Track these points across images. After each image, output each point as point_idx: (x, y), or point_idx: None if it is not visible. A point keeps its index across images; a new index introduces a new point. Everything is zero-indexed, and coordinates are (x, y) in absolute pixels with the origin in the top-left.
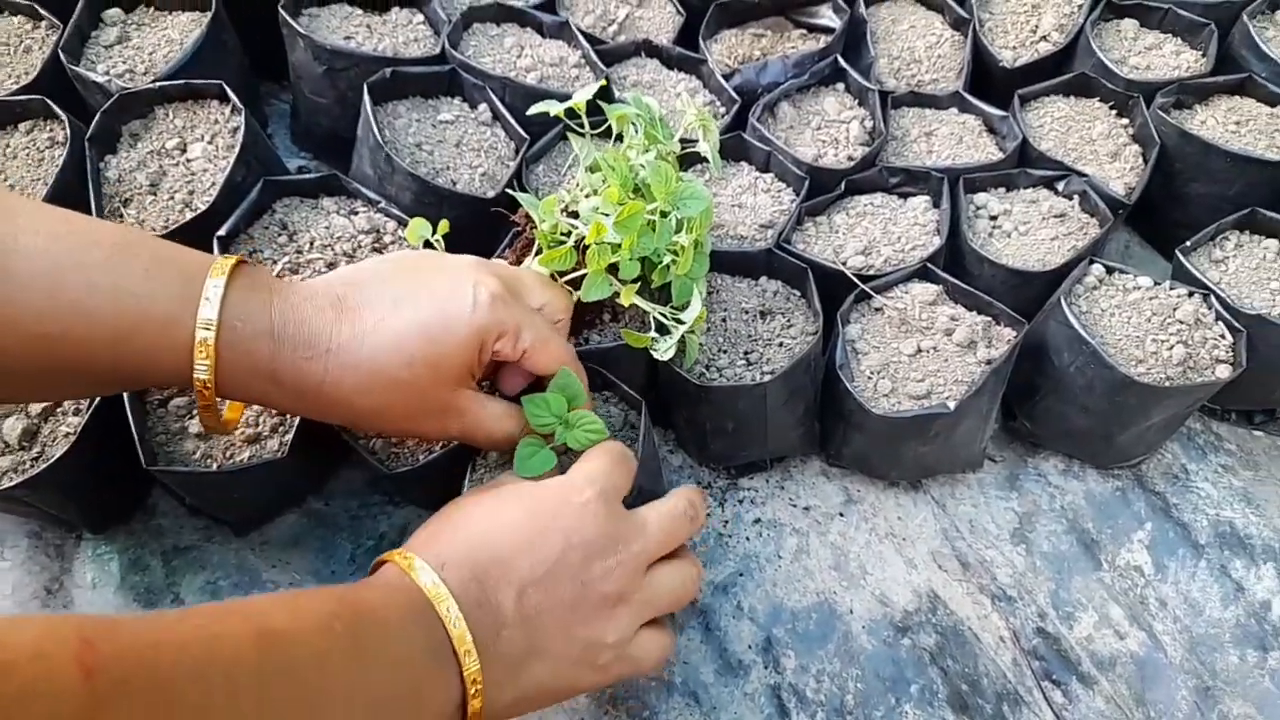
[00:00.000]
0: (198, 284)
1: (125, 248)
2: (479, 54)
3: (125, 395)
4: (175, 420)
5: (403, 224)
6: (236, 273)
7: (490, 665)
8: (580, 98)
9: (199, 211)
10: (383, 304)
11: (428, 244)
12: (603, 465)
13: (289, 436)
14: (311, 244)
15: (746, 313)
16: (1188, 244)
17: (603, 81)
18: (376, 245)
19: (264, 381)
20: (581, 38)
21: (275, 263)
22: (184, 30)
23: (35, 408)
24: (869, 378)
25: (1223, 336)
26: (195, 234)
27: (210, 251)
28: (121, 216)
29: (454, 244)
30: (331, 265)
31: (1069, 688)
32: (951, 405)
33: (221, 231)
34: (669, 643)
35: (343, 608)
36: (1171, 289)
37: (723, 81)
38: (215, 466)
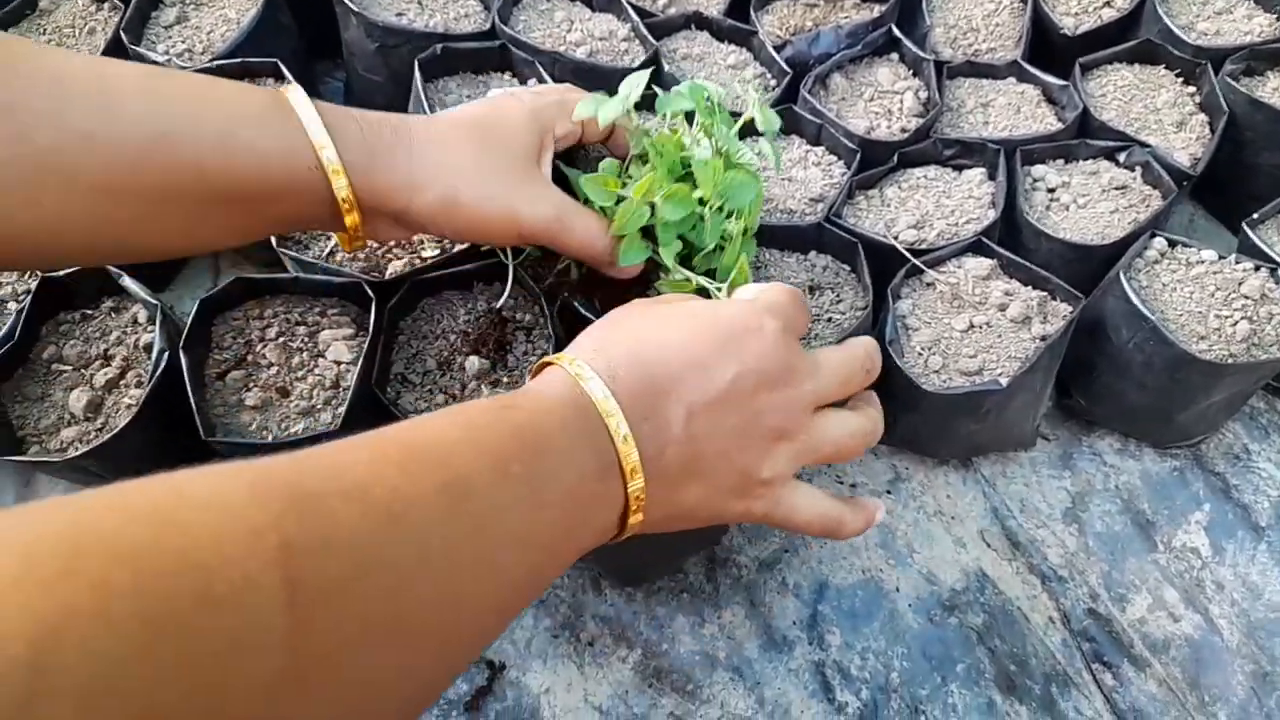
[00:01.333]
0: (281, 96)
1: (198, 74)
2: (529, 29)
3: (185, 367)
4: (233, 393)
5: None
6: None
7: (650, 481)
8: (631, 92)
9: None
10: (436, 116)
11: None
12: (783, 299)
13: (342, 409)
14: None
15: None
16: (1255, 216)
17: (642, 81)
18: None
19: (367, 163)
20: (631, 11)
21: (329, 238)
22: (240, 10)
23: (99, 379)
24: (919, 354)
25: None
26: None
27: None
28: None
29: None
30: (382, 241)
31: (1120, 670)
32: (1004, 382)
33: None
34: (830, 508)
35: (520, 447)
36: (1237, 263)
37: (774, 53)
38: (270, 438)
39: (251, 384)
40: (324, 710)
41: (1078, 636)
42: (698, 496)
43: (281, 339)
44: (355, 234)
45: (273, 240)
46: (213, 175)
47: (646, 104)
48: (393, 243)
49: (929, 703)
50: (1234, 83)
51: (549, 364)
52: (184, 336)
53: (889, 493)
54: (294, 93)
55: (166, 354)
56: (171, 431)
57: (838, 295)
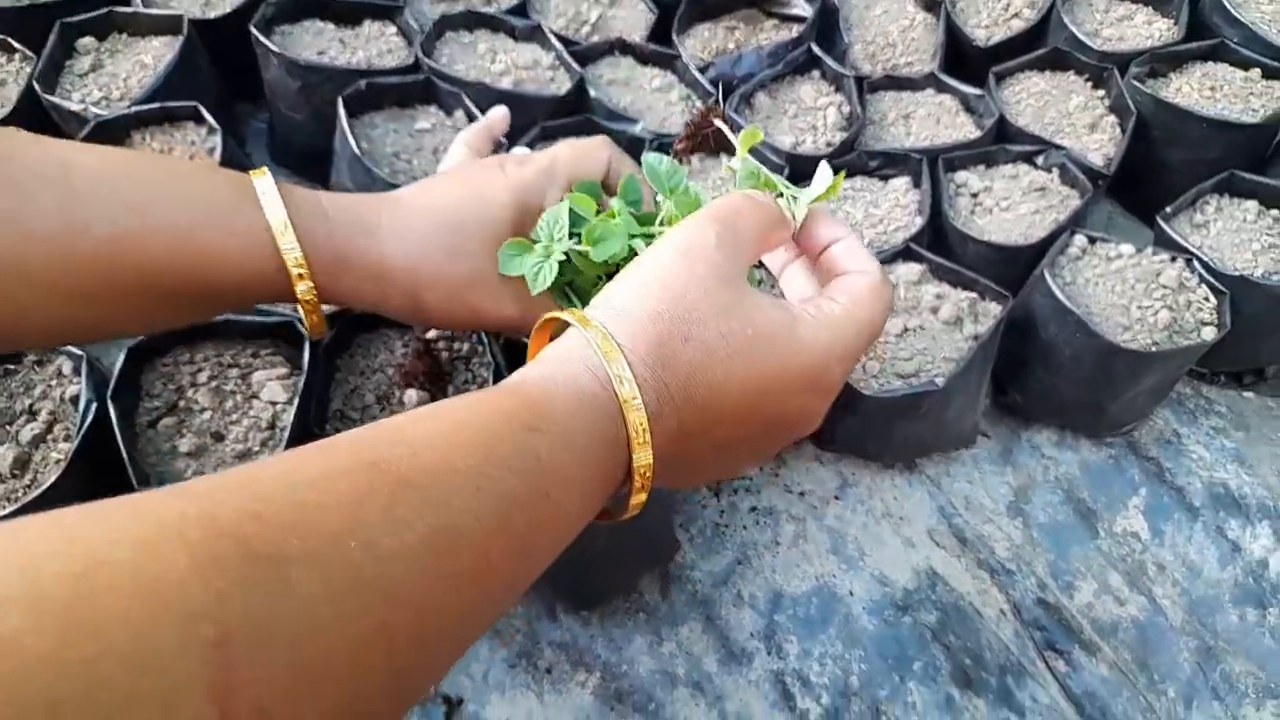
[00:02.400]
0: (248, 186)
1: (166, 161)
2: (452, 61)
3: (114, 416)
4: (165, 440)
5: None
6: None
7: (660, 477)
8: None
9: None
10: (414, 187)
11: None
12: (879, 324)
13: (280, 450)
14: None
15: None
16: (1168, 210)
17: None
18: None
19: (333, 265)
20: (555, 39)
21: None
22: (157, 55)
23: (25, 434)
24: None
25: (1206, 299)
26: None
27: None
28: None
29: None
30: None
31: (1072, 656)
32: (940, 382)
33: None
34: None
35: (529, 493)
36: (1154, 255)
37: (698, 75)
38: None
39: (185, 430)
40: None
41: (1029, 626)
42: (703, 476)
43: (214, 383)
44: (316, 329)
45: None
46: (174, 274)
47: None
48: None
49: (889, 703)
50: (1139, 85)
51: (603, 353)
52: (112, 386)
53: (837, 498)
54: (262, 182)
55: (94, 405)
56: (103, 484)
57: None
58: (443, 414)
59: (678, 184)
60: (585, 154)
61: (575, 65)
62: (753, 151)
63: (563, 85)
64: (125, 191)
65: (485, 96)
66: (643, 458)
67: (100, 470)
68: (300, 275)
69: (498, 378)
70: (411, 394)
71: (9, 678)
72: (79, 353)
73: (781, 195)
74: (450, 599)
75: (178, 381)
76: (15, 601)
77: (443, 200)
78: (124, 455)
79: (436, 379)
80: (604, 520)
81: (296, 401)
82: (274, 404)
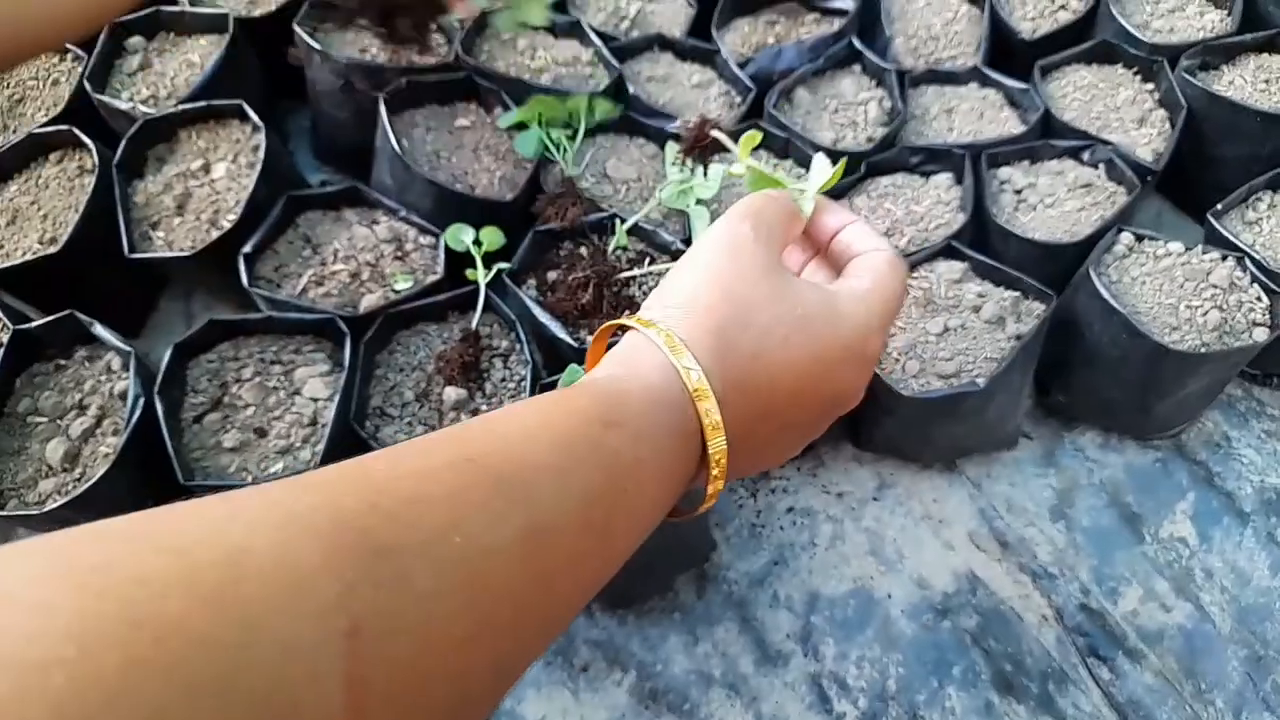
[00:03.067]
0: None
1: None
2: (492, 58)
3: (161, 411)
4: (210, 435)
5: (424, 231)
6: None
7: (730, 465)
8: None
9: (224, 230)
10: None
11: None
12: (899, 296)
13: (320, 445)
14: (335, 255)
15: None
16: (1219, 207)
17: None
18: (398, 253)
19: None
20: (594, 35)
21: (301, 276)
22: (203, 53)
23: (75, 429)
24: (896, 359)
25: (1258, 299)
26: (222, 252)
27: (235, 267)
28: (150, 239)
29: None
30: (355, 275)
31: (1115, 663)
32: (982, 382)
33: (247, 248)
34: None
35: (608, 489)
36: (1204, 253)
37: (737, 70)
38: (250, 479)
39: (229, 425)
40: None
41: (1071, 633)
42: (764, 463)
43: (257, 379)
44: None
45: (244, 280)
46: None
47: None
48: (365, 276)
49: (927, 708)
50: (1190, 78)
51: (669, 348)
52: (159, 381)
53: (876, 500)
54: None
55: (142, 400)
56: (150, 477)
57: None
58: (525, 413)
59: None
60: None
61: (614, 61)
62: (793, 149)
63: (602, 81)
64: None
65: (525, 93)
66: (717, 445)
67: (147, 464)
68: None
69: (534, 375)
70: (450, 391)
71: (175, 658)
72: (127, 348)
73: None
74: (541, 595)
75: (222, 377)
76: (174, 585)
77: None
78: (170, 449)
79: (474, 375)
80: (679, 518)
81: (337, 398)
82: (315, 400)
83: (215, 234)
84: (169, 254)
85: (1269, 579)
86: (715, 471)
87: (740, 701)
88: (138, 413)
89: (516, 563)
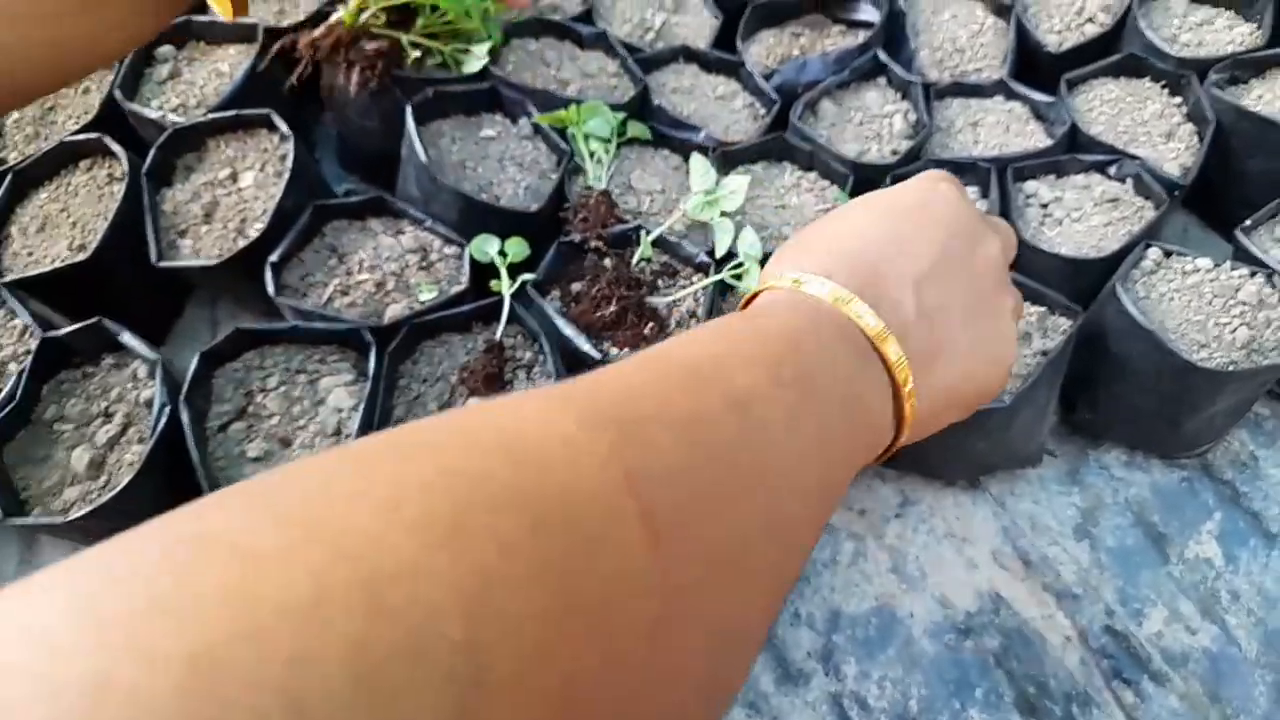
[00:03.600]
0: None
1: None
2: (519, 69)
3: (186, 420)
4: (235, 444)
5: (449, 242)
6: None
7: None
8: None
9: (251, 239)
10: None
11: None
12: (938, 172)
13: None
14: (360, 265)
15: None
16: (1248, 223)
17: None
18: (423, 264)
19: None
20: (620, 47)
21: (326, 286)
22: (233, 63)
23: (101, 437)
24: None
25: None
26: (249, 261)
27: (261, 276)
28: (178, 247)
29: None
30: (380, 285)
31: (1140, 686)
32: (1007, 399)
33: (274, 257)
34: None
35: (785, 348)
36: (1233, 270)
37: (762, 82)
38: None
39: (254, 435)
40: (688, 659)
41: (1096, 654)
42: (954, 374)
43: (282, 388)
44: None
45: (270, 289)
46: None
47: None
48: (390, 286)
49: None
50: (1219, 92)
51: (758, 292)
52: (185, 389)
53: (898, 516)
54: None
55: (168, 408)
56: (174, 486)
57: None
58: (688, 334)
59: None
60: None
61: (639, 72)
62: (818, 161)
63: (627, 93)
64: None
65: (550, 104)
66: (892, 351)
67: (171, 473)
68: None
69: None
70: (474, 401)
71: (516, 495)
72: (153, 356)
73: None
74: (769, 459)
75: (247, 386)
76: (494, 453)
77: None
78: (195, 459)
79: (498, 387)
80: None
81: (361, 408)
82: (340, 410)
83: (242, 243)
84: (196, 262)
85: None
86: (907, 389)
87: None
88: (163, 421)
89: (733, 431)
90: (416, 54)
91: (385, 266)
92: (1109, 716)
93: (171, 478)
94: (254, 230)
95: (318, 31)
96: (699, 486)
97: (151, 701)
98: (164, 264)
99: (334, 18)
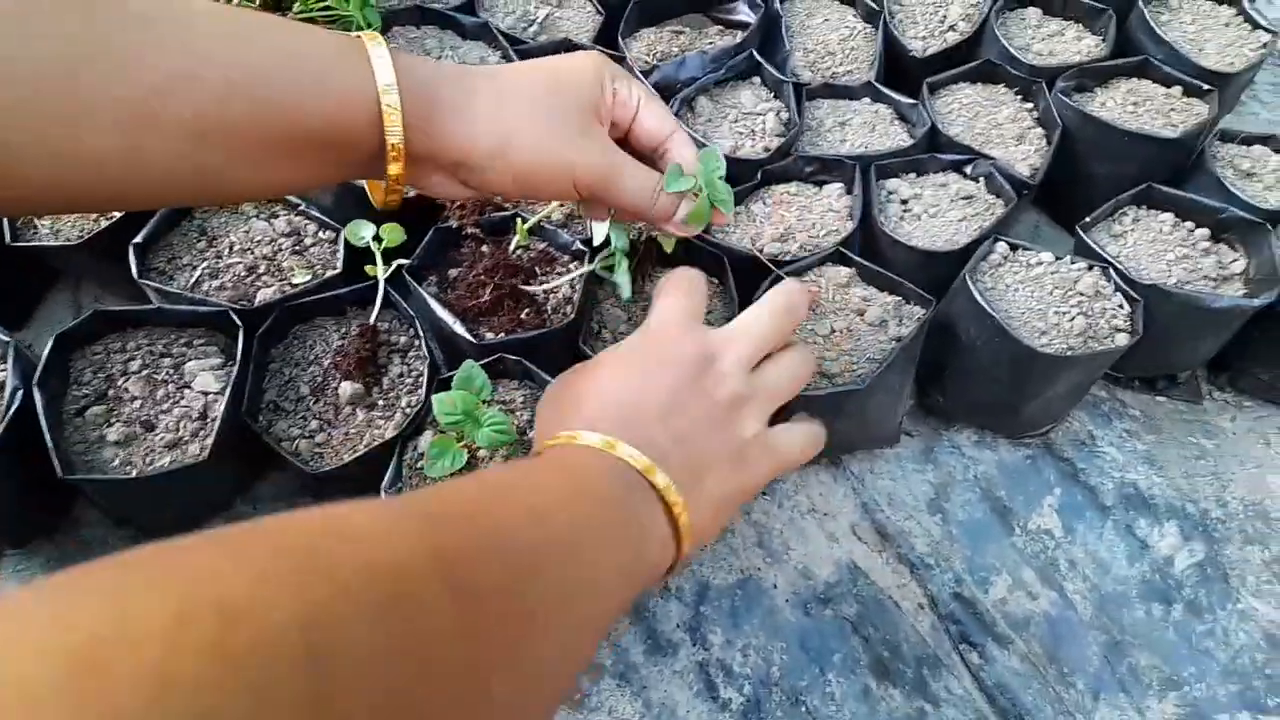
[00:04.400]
0: (363, 53)
1: (285, 22)
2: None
3: (39, 404)
4: (93, 429)
5: (324, 226)
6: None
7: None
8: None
9: (114, 219)
10: (504, 66)
11: (368, 250)
12: (672, 299)
13: (210, 440)
14: (231, 248)
15: None
16: (1087, 220)
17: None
18: (297, 248)
19: (439, 132)
20: (502, 38)
21: (195, 269)
22: None
23: None
24: None
25: (1121, 306)
26: (112, 240)
27: (127, 257)
28: (35, 227)
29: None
30: (251, 269)
31: (985, 649)
32: (863, 383)
33: (138, 239)
34: (811, 431)
35: (570, 485)
36: (1072, 263)
37: (642, 78)
38: (135, 473)
39: (114, 419)
40: (499, 699)
41: (945, 620)
42: (714, 484)
43: (145, 372)
44: (395, 184)
45: (134, 271)
46: (290, 116)
47: None
48: (262, 270)
49: (808, 693)
50: (1066, 99)
51: (539, 452)
52: (38, 373)
53: (764, 494)
54: (370, 40)
55: (20, 392)
56: (29, 471)
57: (708, 307)
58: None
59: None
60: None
61: None
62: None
63: None
64: (246, 35)
65: None
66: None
67: (25, 457)
68: (391, 121)
69: (433, 371)
70: (345, 385)
71: (344, 559)
72: (6, 339)
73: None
74: (567, 562)
75: (108, 370)
76: (329, 534)
77: (539, 63)
78: (49, 442)
79: (372, 370)
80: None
81: (229, 392)
82: (206, 394)
83: (105, 223)
84: (54, 243)
85: (1126, 568)
86: (678, 508)
87: (630, 690)
88: (15, 404)
89: (533, 534)
90: None
91: (257, 250)
92: (957, 677)
93: (25, 462)
94: (117, 210)
95: None
96: (499, 569)
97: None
98: (19, 244)
99: None
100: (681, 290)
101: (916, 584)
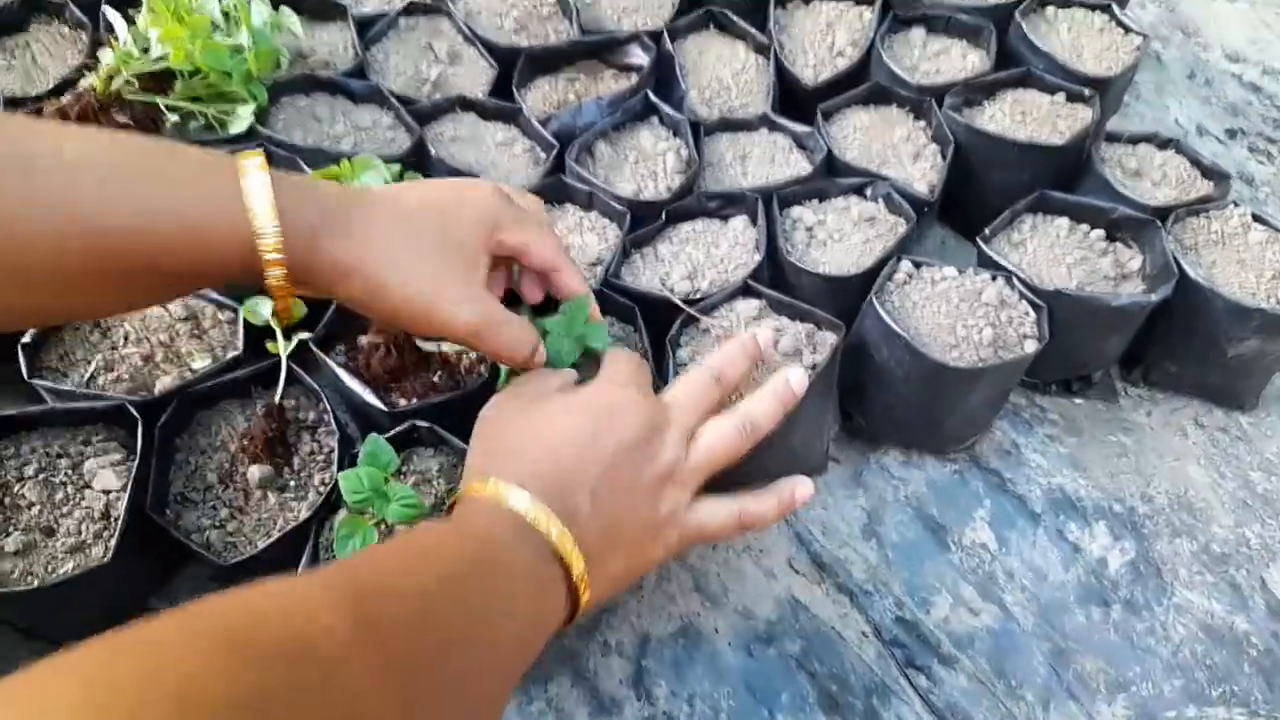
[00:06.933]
0: (234, 175)
1: (158, 148)
2: (289, 127)
3: None
4: None
5: (221, 307)
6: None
7: (587, 561)
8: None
9: None
10: (394, 189)
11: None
12: (629, 367)
13: (113, 540)
14: (126, 338)
15: None
16: (986, 231)
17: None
18: (195, 331)
19: (306, 256)
20: (393, 99)
21: (89, 363)
22: None
23: None
24: None
25: (1027, 314)
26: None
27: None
28: None
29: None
30: (148, 357)
31: (932, 671)
32: None
33: (26, 339)
34: (732, 509)
35: (480, 551)
36: (976, 275)
37: (540, 128)
38: (36, 583)
39: (11, 528)
40: None
41: (890, 646)
42: (623, 559)
43: (42, 475)
44: (286, 315)
45: (24, 371)
46: (141, 253)
47: None
48: (159, 358)
49: None
50: (955, 114)
51: (468, 494)
52: None
53: None
54: (248, 163)
55: None
56: None
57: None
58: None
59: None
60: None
61: (414, 124)
62: (597, 201)
63: (403, 145)
64: (119, 180)
65: (324, 160)
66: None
67: None
68: (272, 263)
69: (343, 446)
70: (254, 469)
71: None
72: None
73: None
74: (475, 622)
75: (3, 477)
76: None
77: (423, 197)
78: None
79: (281, 451)
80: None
81: (130, 488)
82: (107, 492)
83: None
84: None
85: (1062, 574)
86: (578, 574)
87: None
88: None
89: (446, 600)
90: (175, 118)
91: (154, 338)
92: (907, 703)
93: None
94: None
95: (65, 99)
96: (417, 634)
97: None
98: None
99: (83, 84)
100: (636, 361)
101: (858, 612)
